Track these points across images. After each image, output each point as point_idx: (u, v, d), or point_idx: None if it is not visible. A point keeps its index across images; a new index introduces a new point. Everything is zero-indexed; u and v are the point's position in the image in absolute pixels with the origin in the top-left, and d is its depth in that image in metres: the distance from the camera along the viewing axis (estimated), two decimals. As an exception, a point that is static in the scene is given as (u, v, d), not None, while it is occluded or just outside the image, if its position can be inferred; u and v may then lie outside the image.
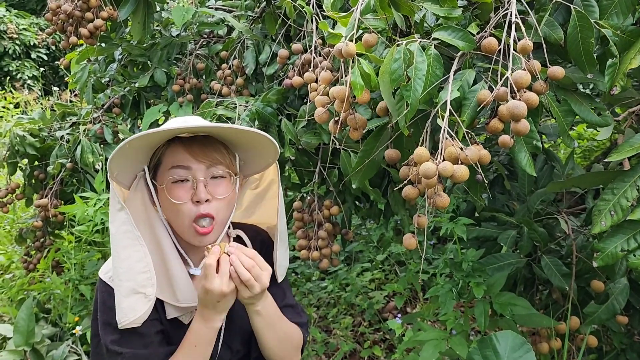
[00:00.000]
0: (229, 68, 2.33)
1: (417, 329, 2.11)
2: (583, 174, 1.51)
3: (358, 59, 1.28)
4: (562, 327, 1.78)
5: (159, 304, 1.28)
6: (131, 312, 1.20)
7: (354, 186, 1.72)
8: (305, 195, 2.12)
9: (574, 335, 1.80)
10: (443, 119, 1.22)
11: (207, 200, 1.25)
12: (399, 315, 2.97)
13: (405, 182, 1.32)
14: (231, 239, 1.47)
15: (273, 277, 1.54)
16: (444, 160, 1.14)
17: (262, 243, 1.53)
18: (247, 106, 2.01)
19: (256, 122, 1.99)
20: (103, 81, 2.82)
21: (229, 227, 1.41)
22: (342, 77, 1.38)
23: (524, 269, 1.95)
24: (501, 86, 1.15)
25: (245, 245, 1.47)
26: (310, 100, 1.68)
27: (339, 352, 2.25)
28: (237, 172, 1.35)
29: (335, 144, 1.97)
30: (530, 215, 1.91)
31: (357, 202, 2.22)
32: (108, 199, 2.21)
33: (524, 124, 1.11)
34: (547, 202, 1.94)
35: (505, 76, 1.13)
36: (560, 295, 1.91)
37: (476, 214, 2.06)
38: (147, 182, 1.30)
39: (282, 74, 2.21)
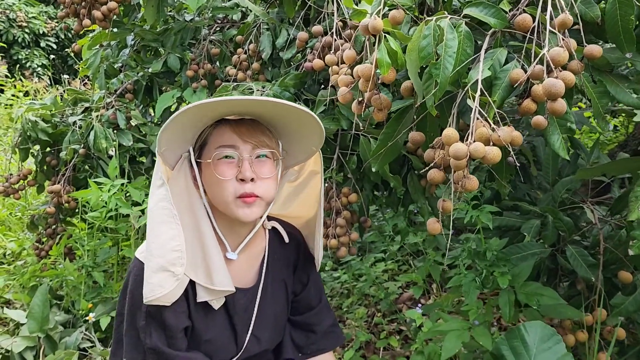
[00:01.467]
0: (245, 53, 2.28)
1: (435, 319, 2.06)
2: (613, 160, 1.45)
3: (385, 36, 1.23)
4: (588, 318, 1.73)
5: (190, 288, 1.26)
6: (158, 288, 1.18)
7: (373, 169, 1.68)
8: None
9: (600, 328, 1.75)
10: (473, 100, 1.18)
11: (252, 180, 1.24)
12: (414, 306, 2.92)
13: (431, 165, 1.27)
14: (267, 230, 1.45)
15: (316, 270, 1.58)
16: (474, 141, 1.10)
17: (298, 243, 1.52)
18: (264, 91, 1.96)
19: (273, 107, 1.94)
20: (115, 67, 2.79)
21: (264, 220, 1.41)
22: (366, 57, 1.34)
23: (547, 260, 1.90)
24: (537, 64, 1.10)
25: (282, 238, 1.46)
26: (331, 84, 1.63)
27: (355, 342, 2.21)
28: (280, 155, 1.34)
29: (354, 130, 1.92)
30: (556, 204, 1.86)
31: (374, 191, 2.17)
32: (122, 184, 2.19)
33: (560, 104, 1.05)
34: (571, 192, 1.88)
35: (541, 53, 1.08)
36: (585, 286, 1.85)
37: (496, 203, 2.01)
38: (192, 163, 1.29)
39: (300, 58, 2.16)
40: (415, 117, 1.50)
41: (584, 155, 1.93)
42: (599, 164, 1.47)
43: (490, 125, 1.12)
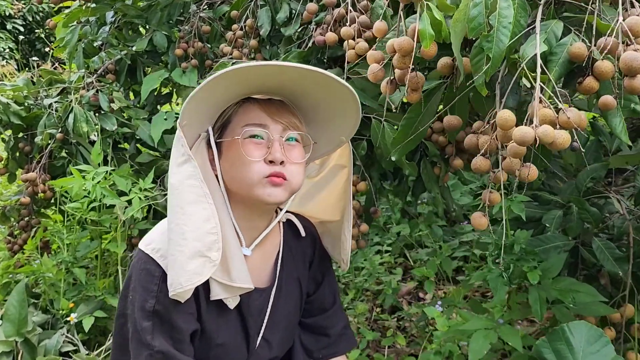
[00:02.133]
0: (241, 29, 2.11)
1: (448, 315, 1.95)
2: (657, 146, 1.35)
3: (427, 4, 1.08)
4: (615, 315, 1.63)
5: (201, 286, 1.10)
6: (195, 276, 1.04)
7: (393, 159, 1.54)
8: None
9: (627, 325, 1.65)
10: (526, 78, 1.04)
11: (281, 163, 1.11)
12: (413, 300, 2.81)
13: (481, 152, 1.14)
14: (281, 223, 1.31)
15: (331, 268, 1.44)
16: (535, 124, 0.96)
17: (314, 237, 1.40)
18: (266, 70, 1.79)
19: (276, 88, 1.78)
20: (95, 45, 2.56)
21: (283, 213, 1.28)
22: (399, 28, 1.19)
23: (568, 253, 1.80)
24: (608, 36, 0.97)
25: (298, 232, 1.33)
26: (347, 59, 1.48)
27: (362, 342, 2.09)
28: (312, 140, 1.21)
29: (364, 112, 1.77)
30: (580, 194, 1.75)
31: (381, 180, 2.03)
32: (106, 173, 2.00)
33: None
34: (596, 180, 1.77)
35: (615, 21, 0.95)
36: (609, 281, 1.76)
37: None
38: (211, 144, 1.15)
39: (302, 35, 2.00)
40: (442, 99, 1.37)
41: (608, 141, 1.83)
42: (638, 151, 1.36)
43: (548, 105, 0.99)
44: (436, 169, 1.84)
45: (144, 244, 1.13)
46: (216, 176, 1.15)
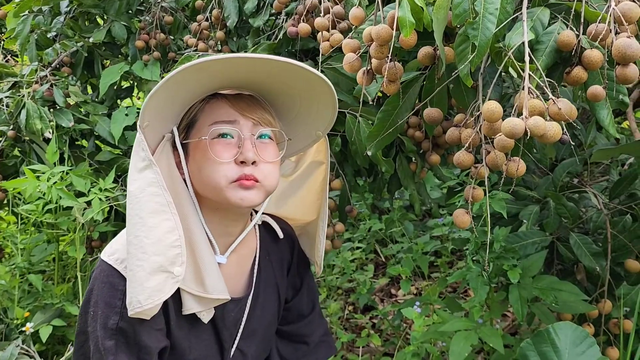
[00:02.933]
0: (206, 20, 2.00)
1: (424, 314, 1.90)
2: (638, 140, 1.32)
3: (407, -10, 1.01)
4: (593, 312, 1.61)
5: (171, 299, 1.01)
6: (157, 294, 0.94)
7: (369, 153, 1.47)
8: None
9: (606, 320, 1.63)
10: (512, 68, 0.99)
11: (253, 163, 1.02)
12: (386, 297, 2.76)
13: (464, 146, 1.08)
14: (257, 227, 1.22)
15: (310, 272, 1.36)
16: (525, 116, 0.90)
17: (292, 240, 1.32)
18: (233, 62, 1.70)
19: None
20: (49, 36, 2.41)
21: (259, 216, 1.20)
22: (377, 15, 1.12)
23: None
24: (599, 23, 0.92)
25: (275, 234, 1.25)
26: (322, 52, 1.40)
27: (337, 343, 2.02)
28: (285, 137, 1.12)
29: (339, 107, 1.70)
30: (556, 189, 1.72)
31: (355, 176, 1.97)
32: (62, 172, 1.87)
33: (633, 70, 0.88)
34: (572, 175, 1.75)
35: (607, 6, 0.90)
36: (585, 276, 1.74)
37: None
38: (177, 145, 1.06)
39: (272, 27, 1.91)
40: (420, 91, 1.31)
41: (582, 135, 1.81)
42: (621, 145, 1.33)
43: (537, 95, 0.94)
44: (412, 165, 1.79)
45: (107, 254, 1.02)
46: (184, 180, 1.06)
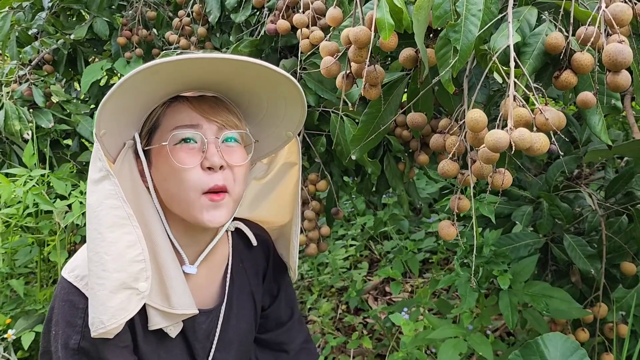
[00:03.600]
0: (188, 15, 1.93)
1: (415, 318, 1.85)
2: (632, 140, 1.26)
3: (385, -10, 0.95)
4: (589, 316, 1.56)
5: (137, 315, 0.95)
6: (121, 312, 0.90)
7: (353, 157, 1.42)
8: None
9: (602, 324, 1.58)
10: (497, 72, 0.93)
11: (220, 168, 0.96)
12: (379, 295, 2.72)
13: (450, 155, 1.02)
14: (229, 233, 1.17)
15: (288, 278, 1.32)
16: (510, 127, 0.85)
17: (267, 246, 1.27)
18: (214, 61, 1.63)
19: (227, 81, 1.63)
20: (30, 33, 2.34)
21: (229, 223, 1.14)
22: (356, 16, 1.05)
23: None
24: (588, 25, 0.86)
25: (249, 240, 1.20)
26: (301, 50, 1.34)
27: (326, 347, 1.98)
28: (253, 139, 1.06)
29: (323, 107, 1.64)
30: (550, 189, 1.66)
31: (343, 176, 1.91)
32: (42, 176, 1.82)
33: (625, 77, 0.82)
34: (566, 174, 1.69)
35: (597, 7, 0.84)
36: (580, 278, 1.69)
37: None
38: (139, 152, 1.00)
39: (255, 22, 1.84)
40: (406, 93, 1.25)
41: (577, 132, 1.74)
42: (615, 145, 1.27)
43: (522, 103, 0.88)
44: (400, 164, 1.73)
45: (67, 271, 0.97)
46: (147, 189, 1.00)
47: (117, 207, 0.90)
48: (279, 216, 1.27)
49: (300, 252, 1.68)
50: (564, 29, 0.94)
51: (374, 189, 1.87)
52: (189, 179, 0.95)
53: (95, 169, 0.92)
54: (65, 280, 0.97)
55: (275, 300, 1.29)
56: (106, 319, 0.88)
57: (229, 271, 1.17)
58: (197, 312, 1.03)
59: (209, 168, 0.96)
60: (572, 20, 0.93)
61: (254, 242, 1.21)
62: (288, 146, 1.20)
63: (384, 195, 2.37)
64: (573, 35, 0.92)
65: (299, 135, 1.72)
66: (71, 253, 2.02)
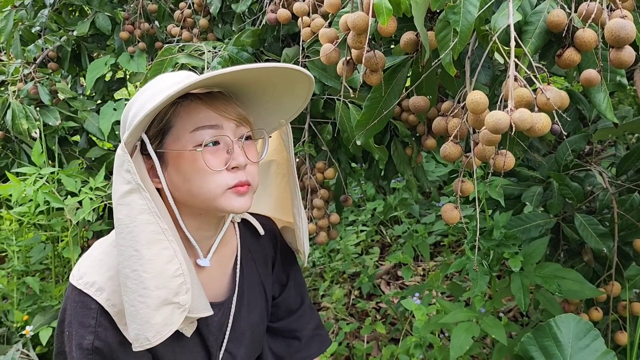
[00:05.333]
0: (189, 7, 1.92)
1: (427, 302, 1.85)
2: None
3: (382, -26, 0.93)
4: (602, 296, 1.55)
5: None
6: (165, 328, 0.91)
7: (358, 143, 1.41)
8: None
9: (615, 303, 1.57)
10: (498, 52, 0.91)
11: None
12: (392, 280, 2.72)
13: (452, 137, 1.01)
14: (236, 225, 1.18)
15: (297, 266, 1.33)
16: (510, 108, 0.83)
17: (274, 235, 1.28)
18: (216, 52, 1.63)
19: (229, 71, 1.62)
20: (33, 31, 2.35)
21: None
22: (354, 3, 1.04)
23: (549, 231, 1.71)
24: (590, 1, 0.84)
25: (256, 230, 1.22)
26: (302, 38, 1.33)
27: (340, 334, 1.98)
28: (267, 135, 1.10)
29: (328, 94, 1.63)
30: (560, 168, 1.64)
31: (351, 163, 1.90)
32: (51, 174, 1.83)
33: (629, 53, 0.80)
34: (576, 153, 1.67)
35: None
36: (592, 257, 1.67)
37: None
38: (151, 154, 0.97)
39: (257, 11, 1.83)
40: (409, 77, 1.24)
41: (587, 111, 1.72)
42: (624, 123, 1.25)
43: (524, 83, 0.87)
44: (408, 149, 1.72)
45: (75, 278, 0.98)
46: (157, 189, 0.99)
47: (151, 223, 0.90)
48: (282, 214, 1.30)
49: (310, 240, 1.69)
50: (566, 6, 0.93)
51: (382, 174, 1.86)
52: (216, 179, 0.96)
53: (122, 181, 0.90)
54: (74, 287, 0.97)
55: (285, 289, 1.30)
56: (151, 335, 0.90)
57: (238, 262, 1.17)
58: (212, 313, 1.04)
59: (235, 167, 0.97)
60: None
61: (261, 231, 1.22)
62: (275, 145, 1.20)
63: (392, 180, 2.36)
64: (575, 11, 0.90)
65: (304, 123, 1.71)
66: (84, 249, 2.04)
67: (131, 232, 0.90)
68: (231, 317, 1.14)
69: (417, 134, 1.66)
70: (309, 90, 1.05)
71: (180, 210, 1.02)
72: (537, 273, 1.37)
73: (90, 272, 0.96)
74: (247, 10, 1.79)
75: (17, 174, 1.81)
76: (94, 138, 2.33)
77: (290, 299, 1.31)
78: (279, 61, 1.63)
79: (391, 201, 2.37)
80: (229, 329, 1.14)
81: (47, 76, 2.10)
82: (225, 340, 1.14)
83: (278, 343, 1.31)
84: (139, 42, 2.13)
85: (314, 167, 1.73)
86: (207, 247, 1.09)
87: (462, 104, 1.01)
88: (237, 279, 1.16)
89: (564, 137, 1.00)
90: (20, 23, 2.33)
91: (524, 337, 1.17)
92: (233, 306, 1.14)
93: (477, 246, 1.02)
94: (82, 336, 0.94)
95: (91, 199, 1.84)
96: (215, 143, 0.97)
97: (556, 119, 0.88)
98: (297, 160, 1.75)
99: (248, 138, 1.02)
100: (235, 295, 1.15)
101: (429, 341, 1.59)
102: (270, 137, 1.11)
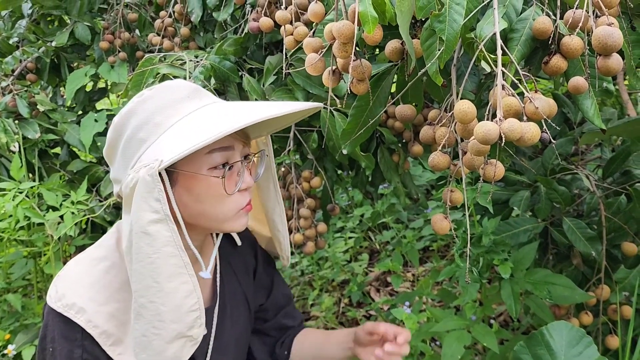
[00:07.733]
0: (170, 16, 1.90)
1: (417, 310, 1.84)
2: (629, 120, 1.23)
3: (367, -18, 0.92)
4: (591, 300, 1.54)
5: None
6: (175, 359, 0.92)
7: (345, 152, 1.40)
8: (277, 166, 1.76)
9: (605, 306, 1.57)
10: (485, 60, 0.90)
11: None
12: (381, 287, 2.70)
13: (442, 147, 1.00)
14: (214, 235, 1.19)
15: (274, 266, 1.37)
16: (499, 118, 0.82)
17: (252, 243, 1.32)
18: (198, 61, 1.60)
19: (212, 80, 1.60)
20: (11, 42, 2.30)
21: None
22: (338, 12, 1.02)
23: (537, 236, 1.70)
24: (576, 8, 0.83)
25: (234, 240, 1.25)
26: (285, 47, 1.31)
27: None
28: (266, 153, 1.13)
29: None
30: (547, 172, 1.64)
31: (337, 171, 1.88)
32: (31, 188, 1.79)
33: (616, 60, 0.79)
34: (562, 157, 1.67)
35: (585, -9, 0.81)
36: (581, 260, 1.67)
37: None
38: (161, 173, 0.91)
39: (239, 19, 1.81)
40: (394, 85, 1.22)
41: (572, 114, 1.72)
42: (614, 125, 1.24)
43: (511, 92, 0.85)
44: (395, 156, 1.71)
45: (53, 300, 0.94)
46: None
47: (175, 256, 0.88)
48: (260, 227, 1.32)
49: (297, 250, 1.68)
50: (551, 13, 0.92)
51: (369, 181, 1.85)
52: (230, 202, 0.97)
53: (149, 209, 0.86)
54: (53, 311, 0.94)
55: (271, 293, 1.34)
56: None
57: (218, 272, 1.19)
58: (206, 331, 1.04)
59: (244, 189, 1.01)
60: (559, 4, 0.90)
61: (239, 242, 1.25)
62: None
63: (380, 186, 2.35)
64: (561, 18, 0.89)
65: (289, 132, 1.69)
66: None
67: (153, 262, 0.87)
68: (214, 327, 1.15)
69: (404, 140, 1.65)
70: (307, 114, 1.08)
71: (187, 227, 1.00)
72: (527, 279, 1.36)
73: (68, 294, 0.93)
74: (229, 18, 1.77)
75: (-5, 189, 1.76)
76: (76, 149, 2.28)
77: (278, 300, 1.35)
78: (262, 70, 1.61)
79: (379, 208, 2.36)
80: (212, 338, 1.14)
81: (25, 88, 2.05)
82: (210, 350, 1.14)
83: (269, 341, 1.35)
84: (119, 51, 2.09)
85: (300, 176, 1.71)
86: (207, 260, 1.13)
87: (449, 113, 0.99)
88: (218, 289, 1.18)
89: (553, 144, 0.99)
90: (-3, 34, 2.29)
91: (516, 346, 1.16)
92: (215, 316, 1.15)
93: (470, 256, 1.01)
94: (70, 350, 0.92)
95: (73, 213, 1.80)
96: (230, 167, 0.97)
97: (544, 127, 0.87)
98: (283, 169, 1.73)
99: (247, 156, 1.04)
100: (218, 303, 1.16)
101: (419, 350, 1.57)
102: (267, 155, 1.11)
